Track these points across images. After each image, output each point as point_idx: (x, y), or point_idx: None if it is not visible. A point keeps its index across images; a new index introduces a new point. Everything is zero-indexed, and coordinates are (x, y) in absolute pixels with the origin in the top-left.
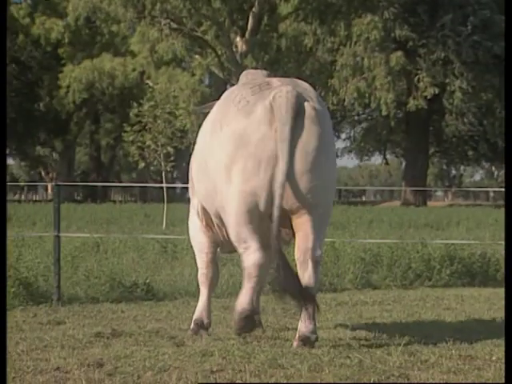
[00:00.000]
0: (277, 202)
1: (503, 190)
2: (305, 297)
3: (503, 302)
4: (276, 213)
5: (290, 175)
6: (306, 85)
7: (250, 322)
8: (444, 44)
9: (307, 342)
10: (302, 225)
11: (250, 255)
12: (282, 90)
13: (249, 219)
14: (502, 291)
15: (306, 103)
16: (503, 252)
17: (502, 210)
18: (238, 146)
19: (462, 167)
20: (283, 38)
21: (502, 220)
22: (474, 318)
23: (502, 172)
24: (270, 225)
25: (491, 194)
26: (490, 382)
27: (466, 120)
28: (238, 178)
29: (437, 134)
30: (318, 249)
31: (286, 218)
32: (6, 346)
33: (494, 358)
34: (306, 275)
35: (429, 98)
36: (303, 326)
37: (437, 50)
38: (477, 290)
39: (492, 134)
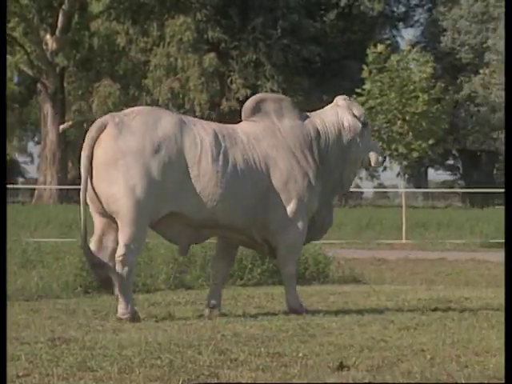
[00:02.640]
0: (81, 207)
1: None
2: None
3: (310, 299)
4: (81, 216)
5: (91, 184)
6: (156, 111)
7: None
8: (255, 46)
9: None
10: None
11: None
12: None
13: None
14: (309, 288)
15: (110, 123)
16: (329, 251)
17: None
18: None
19: None
20: (95, 37)
21: None
22: (282, 315)
23: None
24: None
25: None
26: (296, 379)
27: None
28: None
29: None
30: (119, 249)
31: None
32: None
33: (300, 355)
34: None
35: (241, 99)
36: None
37: (248, 52)
38: None
39: None
